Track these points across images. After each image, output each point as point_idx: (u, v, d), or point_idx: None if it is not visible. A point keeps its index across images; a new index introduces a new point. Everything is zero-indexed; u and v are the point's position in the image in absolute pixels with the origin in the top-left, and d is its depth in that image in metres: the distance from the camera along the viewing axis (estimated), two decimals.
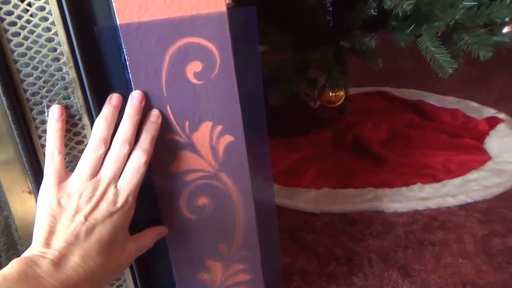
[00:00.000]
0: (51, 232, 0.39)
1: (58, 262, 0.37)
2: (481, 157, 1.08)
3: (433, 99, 1.46)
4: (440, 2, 0.94)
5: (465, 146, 1.14)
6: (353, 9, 0.97)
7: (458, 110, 1.37)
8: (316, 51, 0.95)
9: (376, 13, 0.94)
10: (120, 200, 0.41)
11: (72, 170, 0.42)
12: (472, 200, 0.93)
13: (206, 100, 0.46)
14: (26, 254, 0.38)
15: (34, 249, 0.38)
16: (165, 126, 0.45)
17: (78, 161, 0.42)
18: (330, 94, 1.12)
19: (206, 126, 0.47)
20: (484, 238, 0.82)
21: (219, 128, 0.47)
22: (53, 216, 0.39)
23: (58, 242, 0.38)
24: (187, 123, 0.46)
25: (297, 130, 1.27)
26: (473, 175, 1.01)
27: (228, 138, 0.48)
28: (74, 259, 0.38)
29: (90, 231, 0.39)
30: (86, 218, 0.39)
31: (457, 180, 1.00)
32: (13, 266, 0.36)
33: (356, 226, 0.89)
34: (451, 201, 0.93)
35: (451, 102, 1.44)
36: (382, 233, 0.86)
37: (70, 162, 0.44)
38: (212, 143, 0.48)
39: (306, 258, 0.81)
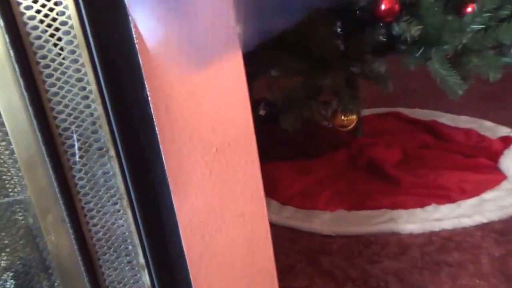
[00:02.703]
0: None
1: None
2: (496, 176, 1.08)
3: (447, 119, 1.47)
4: (448, 26, 0.97)
5: (480, 166, 1.14)
6: (363, 35, 1.01)
7: (472, 129, 1.37)
8: (327, 77, 0.99)
9: (385, 39, 0.97)
10: None
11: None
12: (488, 220, 0.93)
13: (222, 128, 0.49)
14: None
15: None
16: (188, 154, 0.48)
17: (104, 186, 0.45)
18: (342, 118, 1.14)
19: (223, 153, 0.50)
20: (501, 259, 0.82)
21: (235, 154, 0.51)
22: None
23: None
24: (205, 151, 0.49)
25: (311, 153, 1.29)
26: (488, 195, 1.01)
27: (243, 165, 0.51)
28: None
29: None
30: None
31: (472, 201, 1.00)
32: None
33: (372, 248, 0.90)
34: (467, 222, 0.93)
35: (464, 121, 1.45)
36: (398, 254, 0.87)
37: (95, 183, 0.47)
38: (228, 170, 0.51)
39: (322, 281, 0.82)
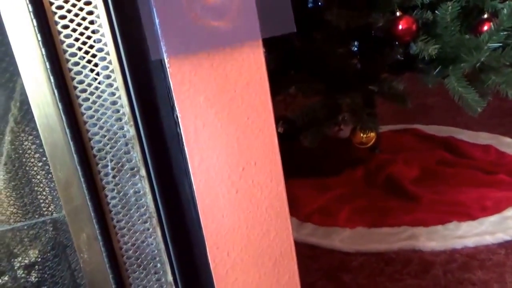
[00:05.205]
0: None
1: None
2: None
3: (465, 135, 1.46)
4: (465, 45, 0.97)
5: (500, 182, 1.13)
6: (380, 54, 1.02)
7: (491, 145, 1.36)
8: (345, 96, 1.00)
9: (402, 58, 0.98)
10: None
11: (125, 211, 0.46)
12: (511, 238, 0.92)
13: (248, 149, 0.51)
14: None
15: None
16: (214, 174, 0.49)
17: (135, 205, 0.46)
18: (361, 135, 1.15)
19: (249, 172, 0.51)
20: None
21: (260, 173, 0.52)
22: None
23: None
24: (232, 170, 0.51)
25: (330, 170, 1.29)
26: (510, 212, 1.00)
27: (269, 183, 0.52)
28: None
29: None
30: None
31: (493, 218, 0.99)
32: None
33: (393, 266, 0.89)
34: (489, 239, 0.92)
35: (483, 138, 1.44)
36: (420, 272, 0.86)
37: (127, 202, 0.49)
38: (254, 188, 0.52)
39: None
